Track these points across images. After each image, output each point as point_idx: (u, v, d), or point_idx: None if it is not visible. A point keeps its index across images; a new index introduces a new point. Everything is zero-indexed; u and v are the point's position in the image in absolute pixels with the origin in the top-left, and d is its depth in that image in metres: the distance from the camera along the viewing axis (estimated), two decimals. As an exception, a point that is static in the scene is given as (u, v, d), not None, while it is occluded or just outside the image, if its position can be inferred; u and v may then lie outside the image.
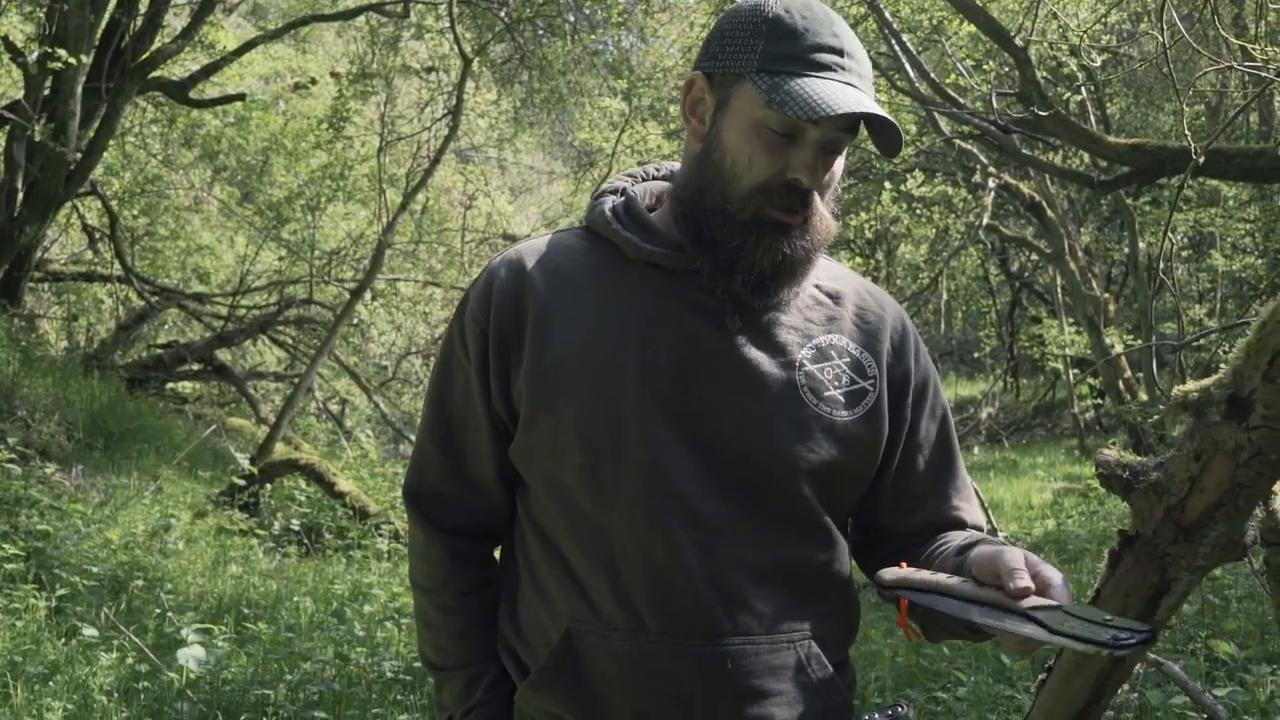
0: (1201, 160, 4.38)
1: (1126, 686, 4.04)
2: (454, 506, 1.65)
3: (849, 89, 1.44)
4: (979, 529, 1.63)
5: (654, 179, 1.70)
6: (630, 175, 1.70)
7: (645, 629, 1.46)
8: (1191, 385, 1.11)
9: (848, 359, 1.56)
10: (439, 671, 1.66)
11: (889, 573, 1.38)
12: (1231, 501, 1.13)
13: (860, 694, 4.54)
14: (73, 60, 7.67)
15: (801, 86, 1.43)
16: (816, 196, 1.49)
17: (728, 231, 1.48)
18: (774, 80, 1.44)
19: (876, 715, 1.59)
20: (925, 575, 1.35)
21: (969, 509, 1.64)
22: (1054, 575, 1.26)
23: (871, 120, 1.47)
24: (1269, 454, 1.07)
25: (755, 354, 1.52)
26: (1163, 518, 1.17)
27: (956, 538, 1.56)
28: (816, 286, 1.61)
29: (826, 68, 1.45)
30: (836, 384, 1.54)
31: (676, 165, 1.67)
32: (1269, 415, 1.04)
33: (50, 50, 7.49)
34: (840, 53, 1.46)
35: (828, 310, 1.59)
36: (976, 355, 20.04)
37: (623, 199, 1.63)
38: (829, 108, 1.40)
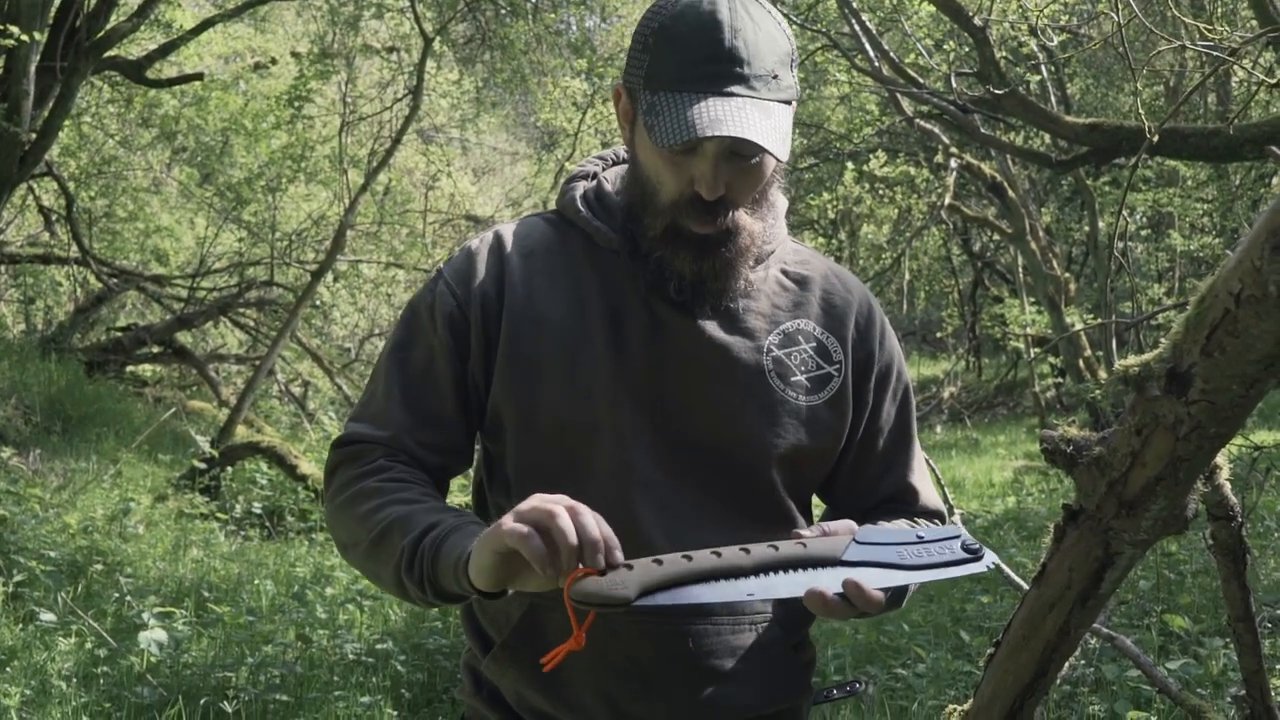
0: (1156, 140, 4.42)
1: (1083, 660, 4.09)
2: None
3: (728, 103, 1.40)
4: (929, 511, 1.66)
5: (623, 162, 1.68)
6: (601, 158, 1.69)
7: None
8: (1132, 360, 1.12)
9: (813, 344, 1.57)
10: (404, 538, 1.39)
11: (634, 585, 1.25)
12: (1172, 475, 1.14)
13: (821, 671, 4.57)
14: (26, 38, 7.54)
15: (675, 108, 1.40)
16: (731, 205, 1.47)
17: (649, 244, 1.50)
18: (653, 100, 1.43)
19: (834, 691, 1.60)
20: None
21: (924, 488, 1.67)
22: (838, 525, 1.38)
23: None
24: (1208, 428, 1.08)
25: (724, 340, 1.53)
26: (1105, 492, 1.18)
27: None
28: (784, 272, 1.61)
29: (707, 80, 1.41)
30: (803, 369, 1.55)
31: None
32: (1207, 389, 1.05)
33: (2, 27, 7.35)
34: (730, 59, 1.41)
35: (794, 296, 1.60)
36: (939, 335, 20.13)
37: (594, 184, 1.63)
38: (693, 132, 1.38)
